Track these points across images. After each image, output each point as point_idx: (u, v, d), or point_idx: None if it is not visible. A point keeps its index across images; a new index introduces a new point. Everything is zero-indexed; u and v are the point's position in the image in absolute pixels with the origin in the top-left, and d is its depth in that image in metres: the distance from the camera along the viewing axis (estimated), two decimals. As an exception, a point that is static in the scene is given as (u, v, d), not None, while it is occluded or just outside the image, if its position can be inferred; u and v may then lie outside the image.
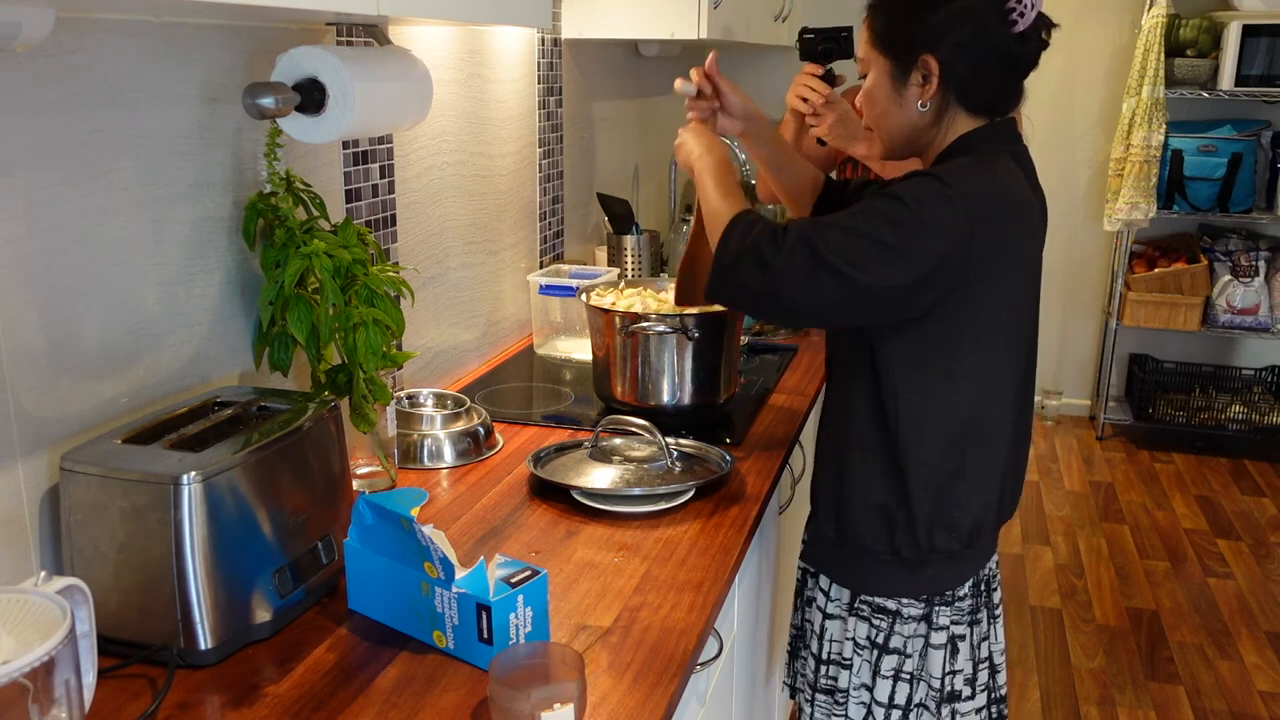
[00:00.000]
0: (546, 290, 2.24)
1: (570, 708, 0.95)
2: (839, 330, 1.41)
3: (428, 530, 1.08)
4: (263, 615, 1.14)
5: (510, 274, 2.29)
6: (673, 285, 1.93)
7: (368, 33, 1.56)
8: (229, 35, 1.34)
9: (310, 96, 1.27)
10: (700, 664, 1.30)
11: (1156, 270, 4.28)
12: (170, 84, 1.26)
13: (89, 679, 0.95)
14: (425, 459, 1.64)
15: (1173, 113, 4.15)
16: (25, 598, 0.88)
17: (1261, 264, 4.22)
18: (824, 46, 1.98)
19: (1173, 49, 4.10)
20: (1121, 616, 3.14)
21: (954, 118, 1.33)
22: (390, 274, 1.45)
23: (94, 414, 1.20)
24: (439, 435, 1.65)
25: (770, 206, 2.89)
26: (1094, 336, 4.74)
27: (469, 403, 1.74)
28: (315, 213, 1.44)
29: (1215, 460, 4.34)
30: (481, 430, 1.70)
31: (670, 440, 1.61)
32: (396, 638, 1.16)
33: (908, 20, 1.31)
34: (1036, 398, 4.87)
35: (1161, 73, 4.03)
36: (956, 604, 1.43)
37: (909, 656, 1.42)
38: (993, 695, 1.52)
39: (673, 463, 1.55)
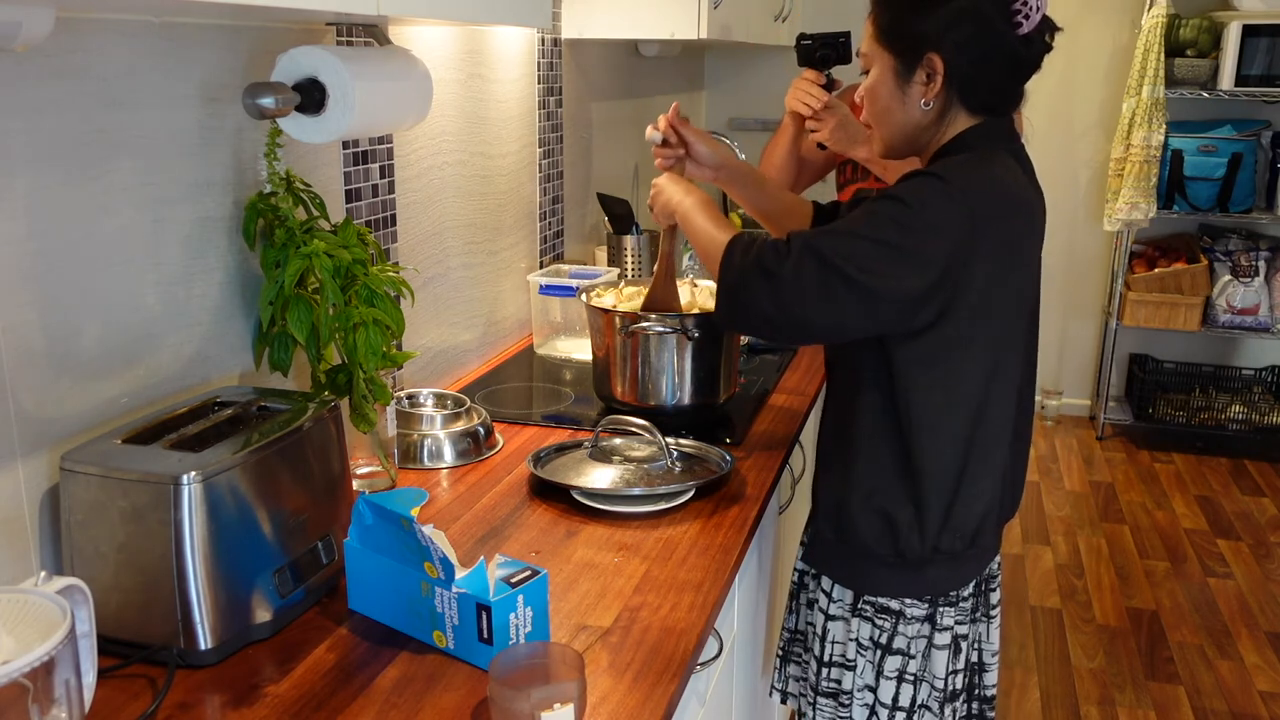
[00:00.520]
0: (546, 290, 2.24)
1: (570, 708, 0.95)
2: (854, 340, 1.37)
3: (428, 530, 1.08)
4: (263, 615, 1.14)
5: (510, 274, 2.29)
6: (680, 284, 1.93)
7: (368, 33, 1.56)
8: (229, 35, 1.34)
9: (310, 96, 1.27)
10: (700, 664, 1.30)
11: (1156, 270, 4.28)
12: (170, 84, 1.26)
13: (89, 679, 0.95)
14: (425, 459, 1.64)
15: (1173, 113, 4.15)
16: (25, 598, 0.88)
17: (1261, 264, 4.22)
18: (822, 53, 1.98)
19: (1173, 49, 4.10)
20: (1121, 616, 3.14)
21: (954, 116, 1.33)
22: (390, 274, 1.45)
23: (94, 414, 1.20)
24: (439, 435, 1.65)
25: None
26: (1094, 336, 4.74)
27: (469, 403, 1.74)
28: (315, 213, 1.44)
29: (1215, 460, 4.34)
30: (481, 430, 1.70)
31: (670, 440, 1.61)
32: (396, 638, 1.16)
33: (913, 17, 1.30)
34: (1036, 397, 4.87)
35: (1161, 73, 4.03)
36: (960, 604, 1.43)
37: (913, 657, 1.42)
38: (975, 693, 1.52)
39: (673, 463, 1.55)
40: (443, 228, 1.97)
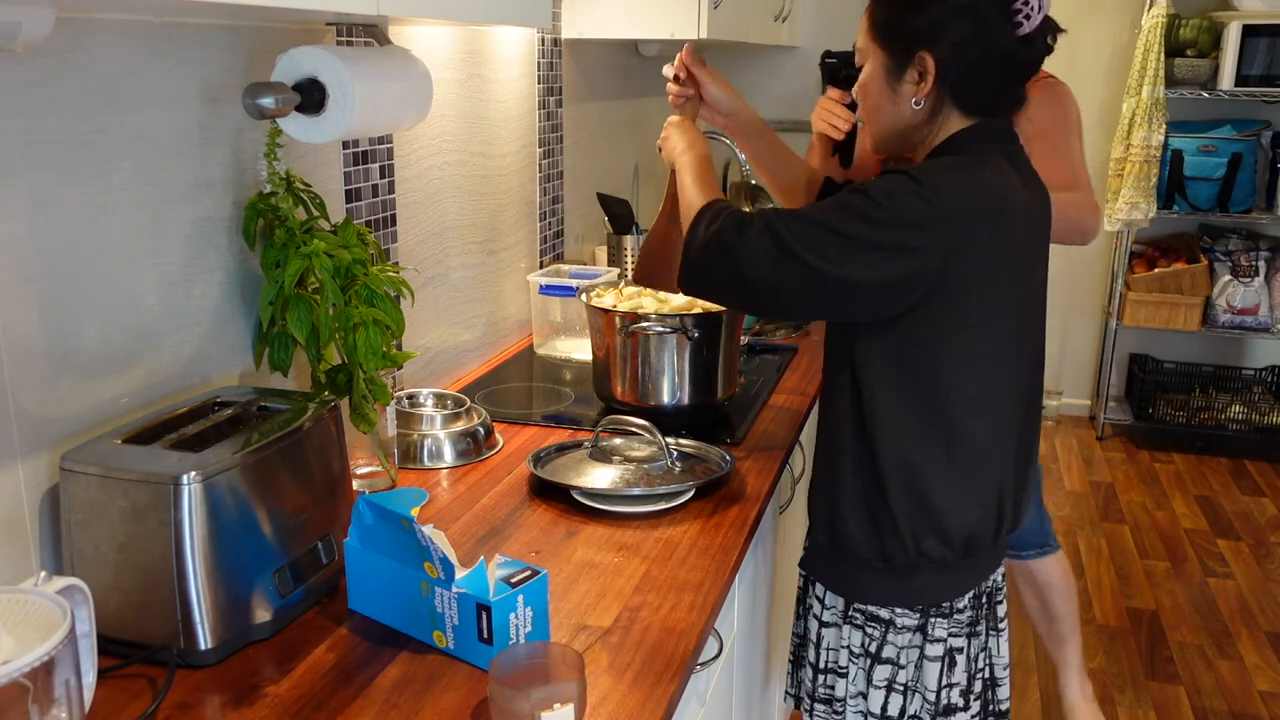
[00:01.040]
0: (546, 290, 2.23)
1: (570, 708, 0.95)
2: (833, 327, 1.39)
3: (428, 530, 1.08)
4: (263, 615, 1.14)
5: (510, 274, 2.29)
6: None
7: (368, 33, 1.56)
8: (229, 35, 1.34)
9: (310, 96, 1.27)
10: (700, 664, 1.30)
11: (1156, 270, 4.28)
12: (170, 84, 1.26)
13: (89, 679, 0.95)
14: (425, 459, 1.64)
15: (1173, 113, 4.15)
16: (25, 598, 0.88)
17: (1261, 264, 4.22)
18: (847, 72, 1.92)
19: (1173, 49, 4.10)
20: (1121, 616, 3.14)
21: (948, 117, 1.31)
22: (390, 274, 1.45)
23: (94, 414, 1.20)
24: (439, 435, 1.65)
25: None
26: (1094, 336, 4.74)
27: (469, 403, 1.74)
28: (315, 213, 1.44)
29: (1215, 460, 4.34)
30: (481, 430, 1.70)
31: (670, 440, 1.60)
32: (396, 638, 1.16)
33: (909, 15, 1.28)
34: (1036, 398, 4.87)
35: (1161, 73, 4.03)
36: (955, 616, 1.40)
37: (902, 667, 1.40)
38: (990, 708, 1.49)
39: (673, 463, 1.55)
40: (443, 228, 1.97)
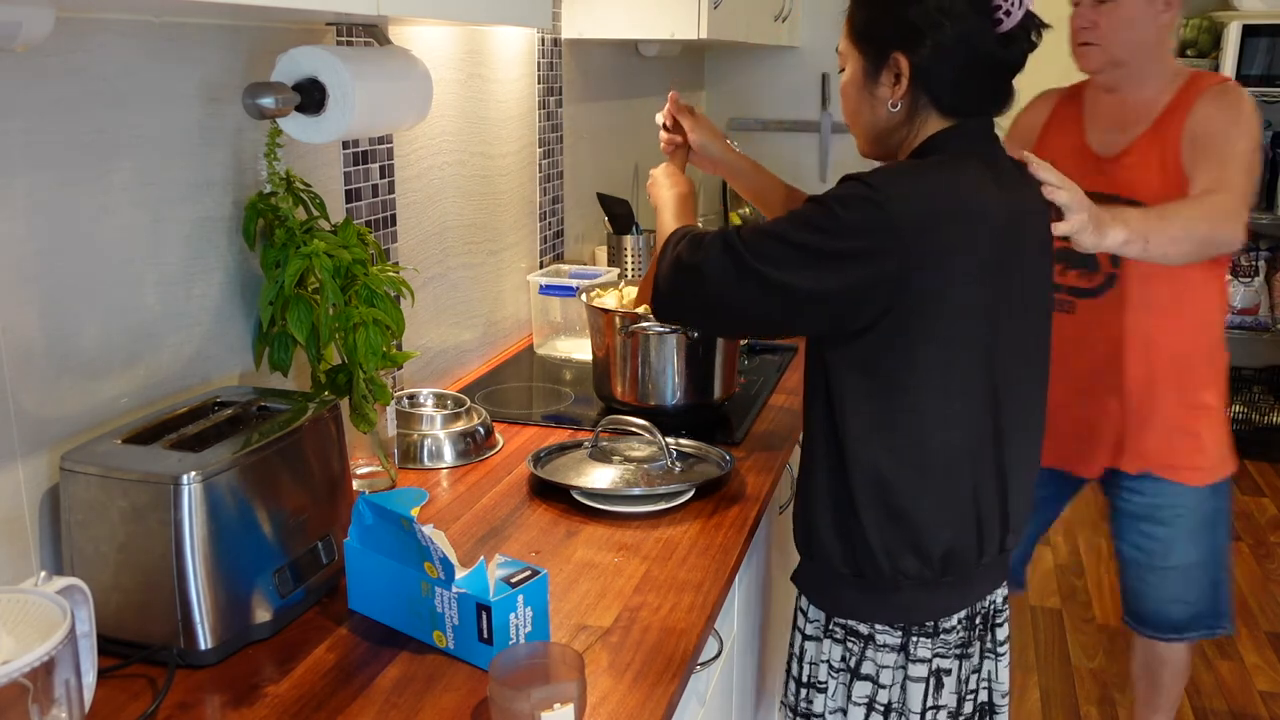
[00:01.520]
0: (546, 290, 2.24)
1: (570, 708, 0.95)
2: (809, 339, 1.36)
3: (428, 530, 1.08)
4: (263, 615, 1.14)
5: (510, 274, 2.29)
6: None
7: (368, 33, 1.56)
8: (229, 35, 1.34)
9: (310, 96, 1.27)
10: (700, 664, 1.30)
11: (1156, 270, 4.27)
12: (170, 84, 1.26)
13: (89, 679, 0.95)
14: (425, 459, 1.64)
15: (1173, 113, 4.15)
16: (25, 598, 0.88)
17: (1261, 264, 4.22)
18: None
19: (1172, 49, 4.10)
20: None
21: (925, 118, 1.28)
22: (390, 274, 1.45)
23: (94, 414, 1.20)
24: (439, 435, 1.65)
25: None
26: (1094, 336, 4.74)
27: (469, 403, 1.74)
28: (315, 213, 1.44)
29: (1215, 460, 4.34)
30: (481, 430, 1.70)
31: (670, 440, 1.61)
32: (396, 638, 1.16)
33: (884, 16, 1.27)
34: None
35: (1161, 73, 4.02)
36: (942, 636, 1.35)
37: (883, 687, 1.36)
38: None
39: (673, 463, 1.55)
40: (443, 228, 1.97)
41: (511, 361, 2.22)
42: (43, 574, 0.91)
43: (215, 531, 1.08)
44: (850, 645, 1.37)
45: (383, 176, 1.74)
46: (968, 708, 1.41)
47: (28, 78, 1.08)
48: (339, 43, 1.56)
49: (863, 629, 1.35)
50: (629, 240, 2.62)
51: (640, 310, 1.73)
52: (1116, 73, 1.92)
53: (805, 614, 1.43)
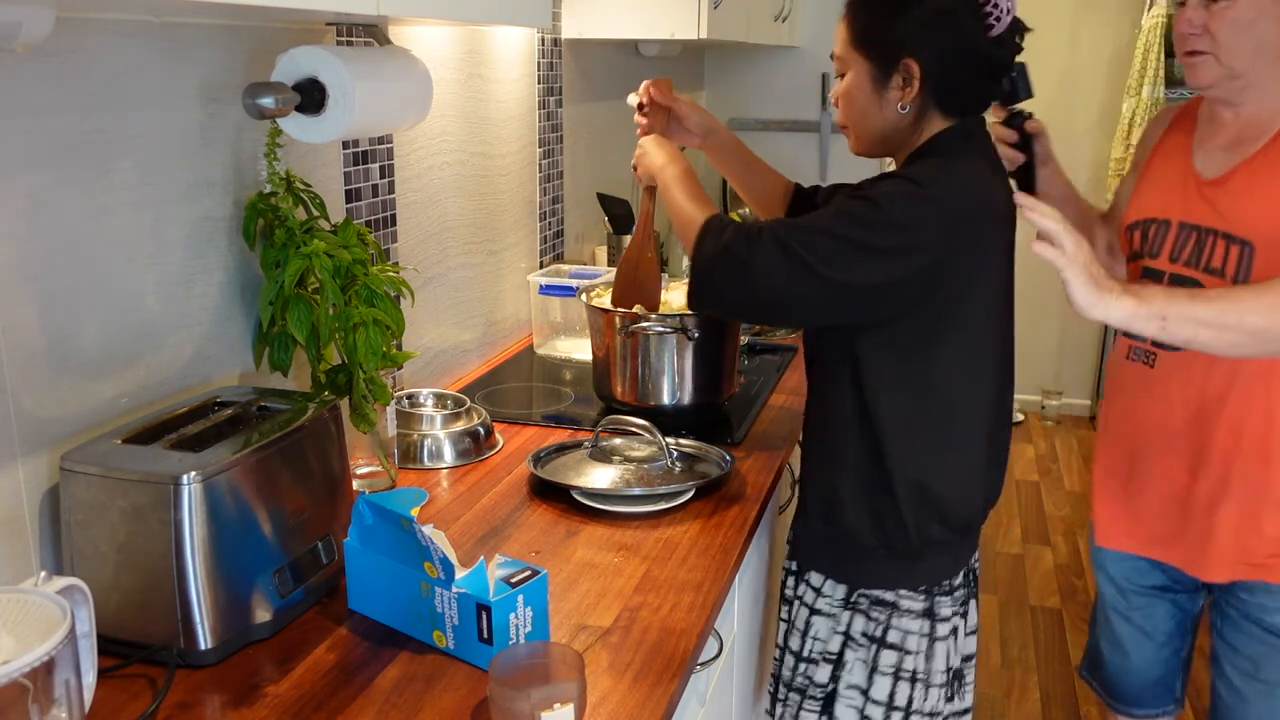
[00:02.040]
0: (546, 290, 2.24)
1: (570, 708, 0.95)
2: (823, 328, 1.42)
3: (428, 530, 1.08)
4: (263, 615, 1.14)
5: (510, 274, 2.29)
6: (674, 286, 1.93)
7: (368, 33, 1.56)
8: (229, 35, 1.34)
9: (310, 96, 1.27)
10: (700, 664, 1.30)
11: (1156, 270, 4.26)
12: (170, 84, 1.26)
13: (89, 679, 0.95)
14: (425, 459, 1.64)
15: (1173, 113, 4.15)
16: (25, 598, 0.88)
17: (1262, 264, 4.20)
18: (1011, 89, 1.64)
19: (1173, 49, 4.10)
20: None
21: (930, 119, 1.35)
22: (390, 274, 1.45)
23: (94, 414, 1.20)
24: (439, 435, 1.65)
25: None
26: (1094, 336, 4.74)
27: (469, 403, 1.74)
28: (315, 213, 1.44)
29: (1215, 460, 4.33)
30: (481, 430, 1.70)
31: (670, 440, 1.61)
32: (396, 638, 1.16)
33: (888, 23, 1.32)
34: (1036, 397, 4.87)
35: (1161, 73, 4.03)
36: (955, 593, 1.44)
37: (909, 653, 1.41)
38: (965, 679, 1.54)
39: (673, 463, 1.55)
40: (443, 228, 1.97)
41: (511, 361, 2.22)
42: (43, 574, 0.91)
43: (215, 531, 1.08)
44: (875, 615, 1.41)
45: (383, 176, 1.74)
46: (956, 660, 1.50)
47: (28, 78, 1.08)
48: (339, 43, 1.56)
49: (889, 596, 1.41)
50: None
51: (639, 310, 1.73)
52: (1233, 85, 1.56)
53: (818, 590, 1.45)
